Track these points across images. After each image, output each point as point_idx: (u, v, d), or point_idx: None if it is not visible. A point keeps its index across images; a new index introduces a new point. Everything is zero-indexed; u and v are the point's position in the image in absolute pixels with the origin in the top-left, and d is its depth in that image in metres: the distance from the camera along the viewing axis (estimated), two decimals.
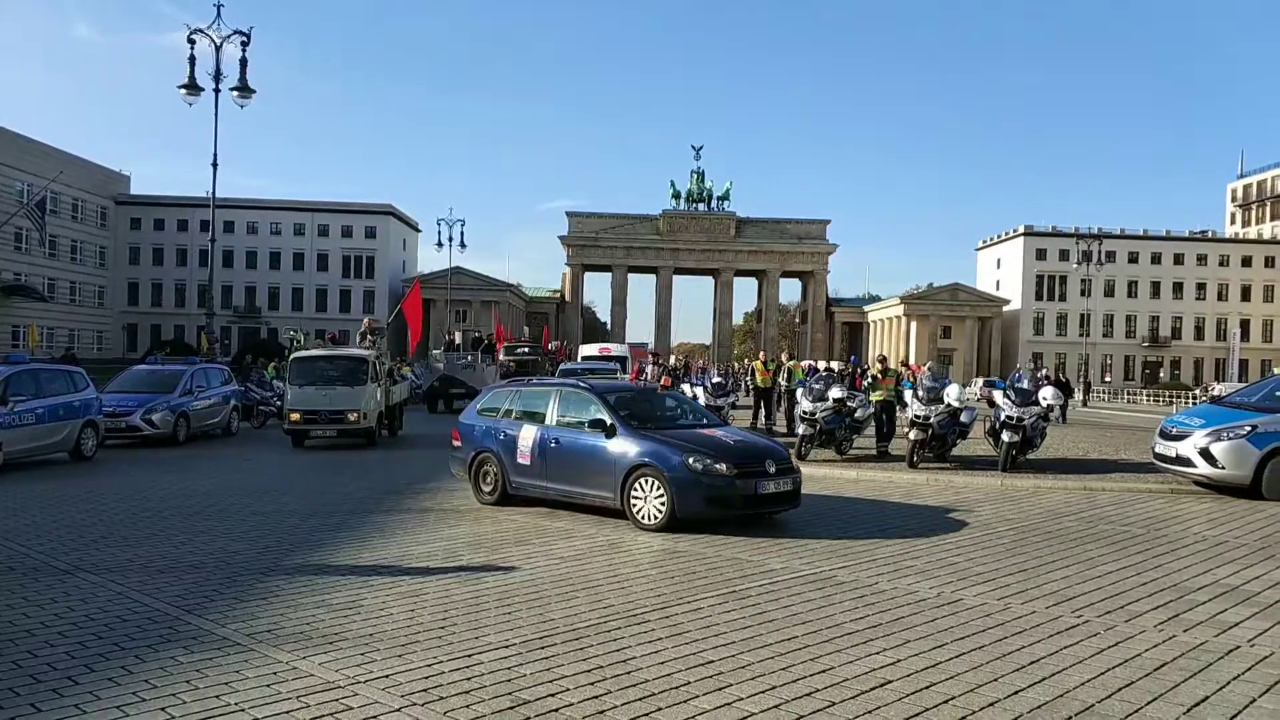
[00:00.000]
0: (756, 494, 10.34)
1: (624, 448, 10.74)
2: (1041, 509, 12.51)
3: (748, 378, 26.68)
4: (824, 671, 5.67)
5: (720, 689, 5.33)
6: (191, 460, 17.51)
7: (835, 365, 21.54)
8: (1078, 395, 56.08)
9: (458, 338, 36.45)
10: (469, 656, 5.85)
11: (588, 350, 39.40)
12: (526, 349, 44.80)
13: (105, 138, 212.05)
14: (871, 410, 17.93)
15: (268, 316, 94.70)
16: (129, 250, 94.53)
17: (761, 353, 26.60)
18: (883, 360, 20.13)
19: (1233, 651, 6.22)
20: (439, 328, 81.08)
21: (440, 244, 65.36)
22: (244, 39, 31.47)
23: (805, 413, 17.07)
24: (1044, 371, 40.68)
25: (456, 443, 12.81)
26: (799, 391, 17.89)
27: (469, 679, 5.43)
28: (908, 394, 17.00)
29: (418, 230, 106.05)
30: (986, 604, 7.40)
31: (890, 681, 5.50)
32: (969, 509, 12.45)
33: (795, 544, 9.75)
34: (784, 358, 23.65)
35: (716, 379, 20.28)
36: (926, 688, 5.41)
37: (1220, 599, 7.66)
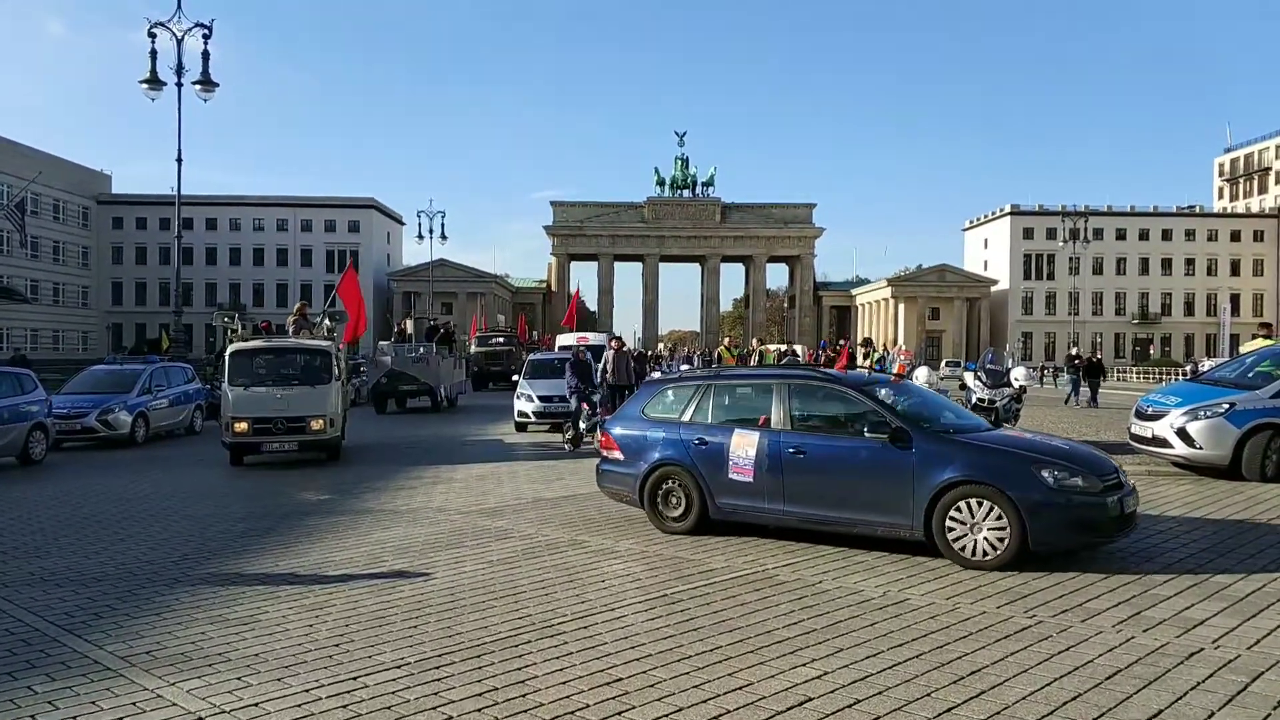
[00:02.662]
0: (1123, 513, 8.03)
1: (929, 459, 8.19)
2: None
3: (717, 363, 26.09)
4: (741, 689, 5.17)
5: (619, 713, 4.83)
6: (145, 462, 16.95)
7: (798, 348, 20.99)
8: (1066, 375, 55.50)
9: (409, 327, 32.95)
10: (355, 679, 5.34)
11: (565, 340, 38.42)
12: (501, 339, 43.51)
13: (87, 137, 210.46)
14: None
15: (252, 313, 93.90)
16: (112, 250, 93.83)
17: (727, 337, 26.05)
18: (867, 343, 19.64)
19: (1194, 655, 5.73)
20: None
21: (421, 236, 64.75)
22: (205, 32, 30.83)
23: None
24: (1077, 349, 39.81)
25: (612, 455, 10.16)
26: (967, 377, 16.45)
27: (346, 706, 4.92)
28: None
29: (401, 223, 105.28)
30: (934, 604, 6.90)
31: (811, 700, 5.00)
32: None
33: (742, 541, 9.23)
34: (754, 342, 23.11)
35: (685, 365, 19.79)
36: (850, 706, 4.91)
37: (1188, 593, 7.17)
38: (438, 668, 5.53)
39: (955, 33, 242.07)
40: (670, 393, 10.21)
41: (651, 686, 5.21)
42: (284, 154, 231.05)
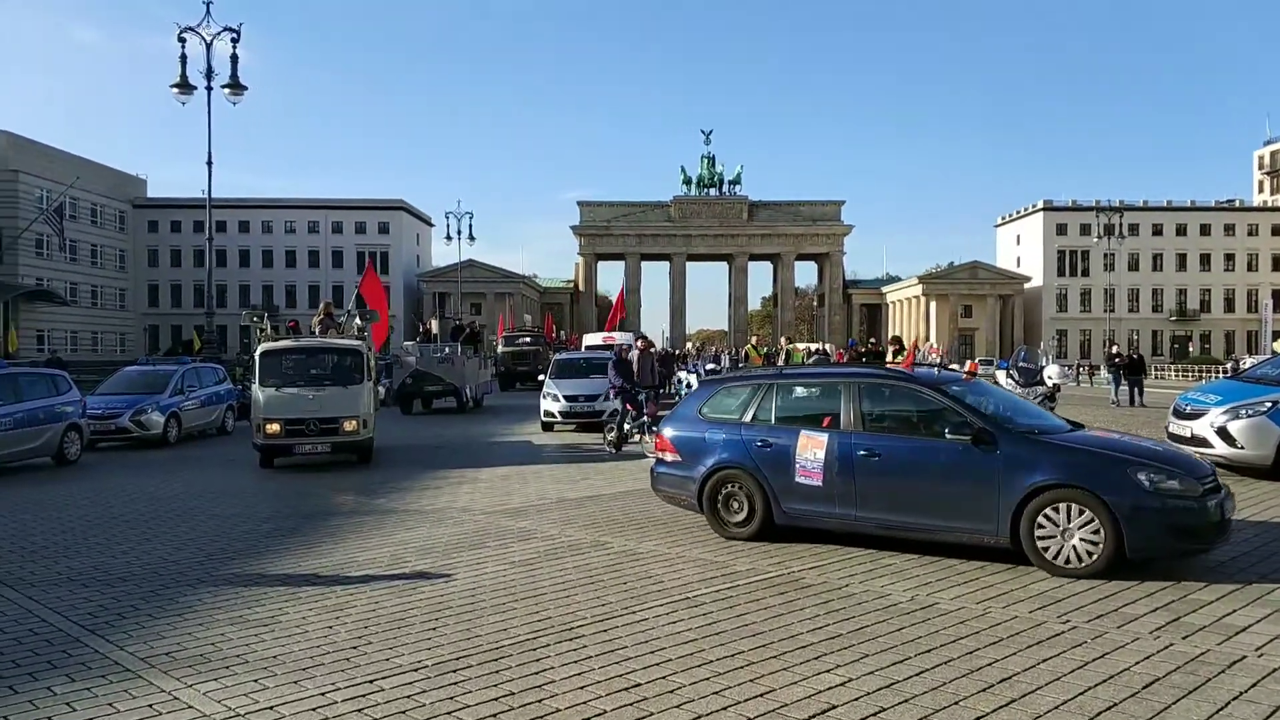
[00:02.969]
0: (1223, 518, 7.65)
1: (1015, 461, 7.78)
2: None
3: (744, 362, 25.85)
4: (762, 695, 5.05)
5: None
6: (176, 462, 17.09)
7: (828, 347, 20.76)
8: (1103, 372, 54.67)
9: (434, 327, 32.80)
10: (371, 682, 5.28)
11: (591, 340, 38.36)
12: (528, 339, 43.02)
13: (122, 142, 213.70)
14: None
15: (285, 314, 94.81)
16: (148, 253, 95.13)
17: (755, 336, 25.88)
18: (896, 341, 19.39)
19: (1236, 664, 5.53)
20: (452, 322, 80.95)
21: (449, 237, 65.09)
22: (234, 36, 31.13)
23: None
24: (1115, 348, 38.86)
25: (667, 457, 9.76)
26: (999, 375, 16.24)
27: (361, 710, 4.87)
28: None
29: (430, 225, 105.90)
30: (964, 609, 6.74)
31: (834, 707, 4.87)
32: None
33: (768, 543, 9.10)
34: (782, 341, 22.92)
35: (710, 365, 19.60)
36: (875, 715, 4.78)
37: (1229, 598, 6.94)
38: (455, 671, 5.46)
39: (988, 28, 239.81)
40: (729, 392, 9.84)
41: (671, 692, 5.10)
42: (315, 157, 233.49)
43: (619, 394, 18.11)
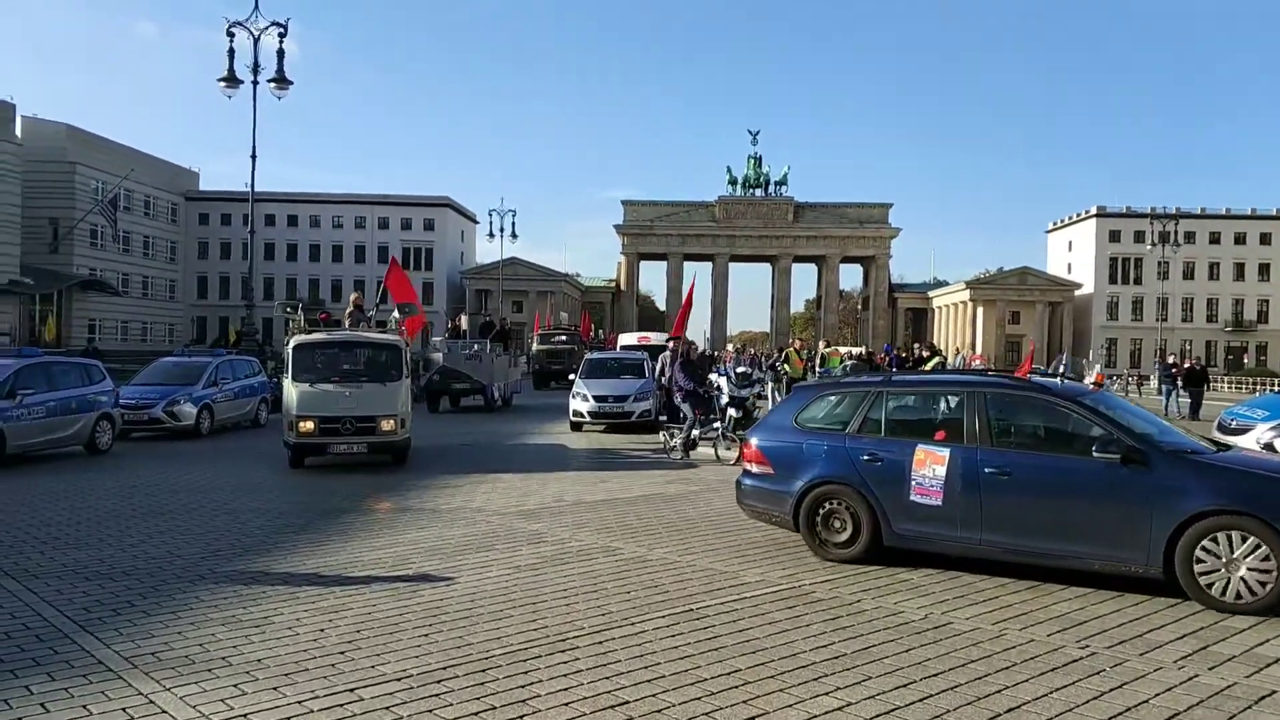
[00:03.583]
0: None
1: (1170, 485, 7.13)
2: None
3: (784, 365, 25.47)
4: (754, 718, 4.82)
5: None
6: (206, 454, 17.20)
7: (859, 351, 20.35)
8: (1153, 381, 53.33)
9: (464, 323, 32.03)
10: (352, 690, 5.14)
11: (626, 339, 38.08)
12: (564, 337, 42.26)
13: (178, 135, 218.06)
14: None
15: (330, 309, 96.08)
16: (198, 245, 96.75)
17: (798, 340, 25.48)
18: (932, 348, 18.96)
19: (1265, 699, 5.21)
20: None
21: (491, 235, 65.44)
22: (281, 31, 31.46)
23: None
24: (1172, 358, 37.60)
25: (756, 469, 9.05)
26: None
27: None
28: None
29: (475, 222, 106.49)
30: (979, 629, 6.45)
31: None
32: None
33: (781, 552, 8.86)
34: (820, 345, 22.56)
35: (741, 368, 19.24)
36: None
37: (1262, 627, 6.57)
38: (440, 681, 5.30)
39: (1041, 28, 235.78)
40: (831, 399, 9.16)
41: (659, 712, 4.89)
42: (363, 153, 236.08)
43: (687, 398, 17.25)
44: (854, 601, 7.14)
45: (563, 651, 5.85)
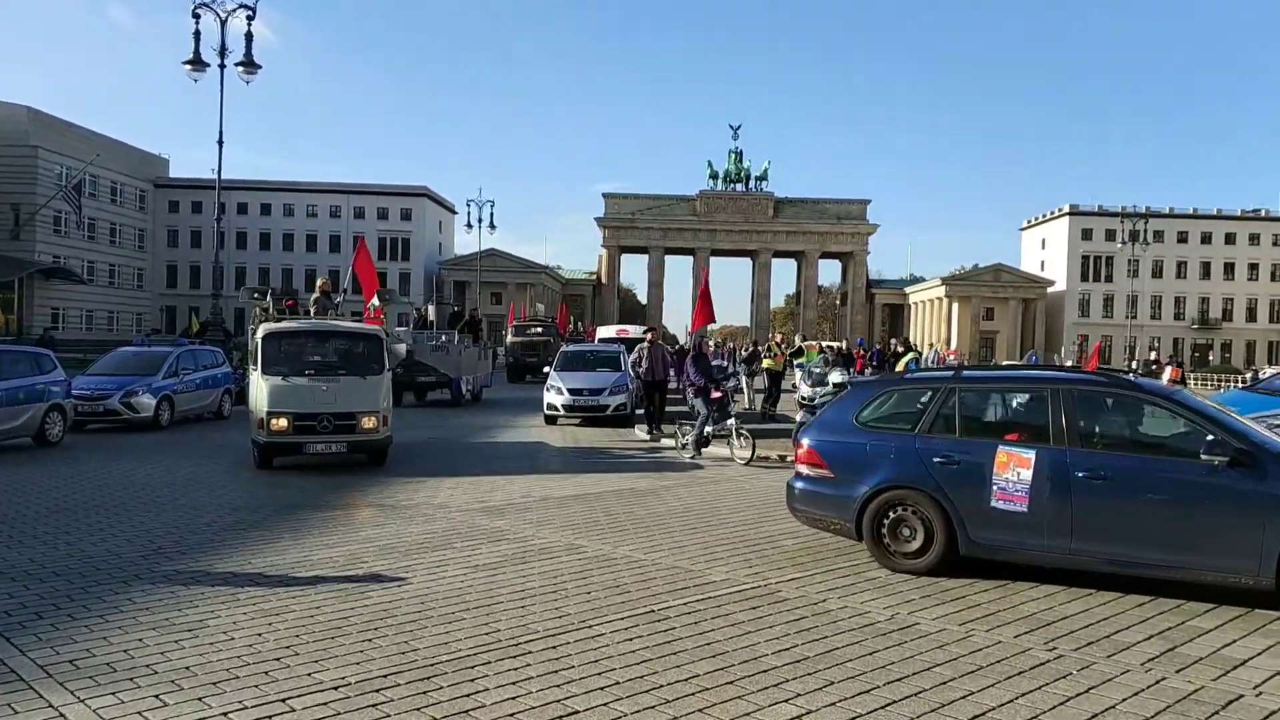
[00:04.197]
0: None
1: None
2: None
3: (766, 358, 25.26)
4: None
5: None
6: (165, 446, 16.72)
7: (838, 345, 20.22)
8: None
9: (430, 313, 30.56)
10: (284, 701, 4.83)
11: (605, 332, 37.68)
12: (539, 329, 41.26)
13: (153, 123, 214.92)
14: None
15: (304, 299, 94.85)
16: (167, 233, 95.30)
17: (777, 333, 25.28)
18: (906, 343, 18.80)
19: (1232, 703, 5.03)
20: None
21: (470, 225, 64.78)
22: (249, 13, 30.85)
23: (804, 398, 15.65)
24: (1154, 354, 37.54)
25: (813, 471, 8.33)
26: (798, 377, 16.28)
27: None
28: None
29: (454, 212, 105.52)
30: (945, 630, 6.24)
31: None
32: None
33: (749, 550, 8.63)
34: (797, 339, 22.36)
35: (716, 362, 19.00)
36: None
37: (1230, 626, 6.42)
38: (379, 690, 5.01)
39: (1017, 29, 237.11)
40: (896, 396, 8.57)
41: None
42: (341, 142, 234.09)
43: (699, 393, 16.32)
44: (820, 601, 6.92)
45: (513, 657, 5.57)
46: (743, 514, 10.56)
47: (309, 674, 5.24)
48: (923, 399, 8.19)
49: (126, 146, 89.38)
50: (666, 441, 17.37)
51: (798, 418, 16.26)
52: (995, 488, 7.41)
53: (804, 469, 8.43)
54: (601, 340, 33.71)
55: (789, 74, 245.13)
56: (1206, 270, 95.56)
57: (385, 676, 5.21)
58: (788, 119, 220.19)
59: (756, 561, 8.20)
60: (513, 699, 4.91)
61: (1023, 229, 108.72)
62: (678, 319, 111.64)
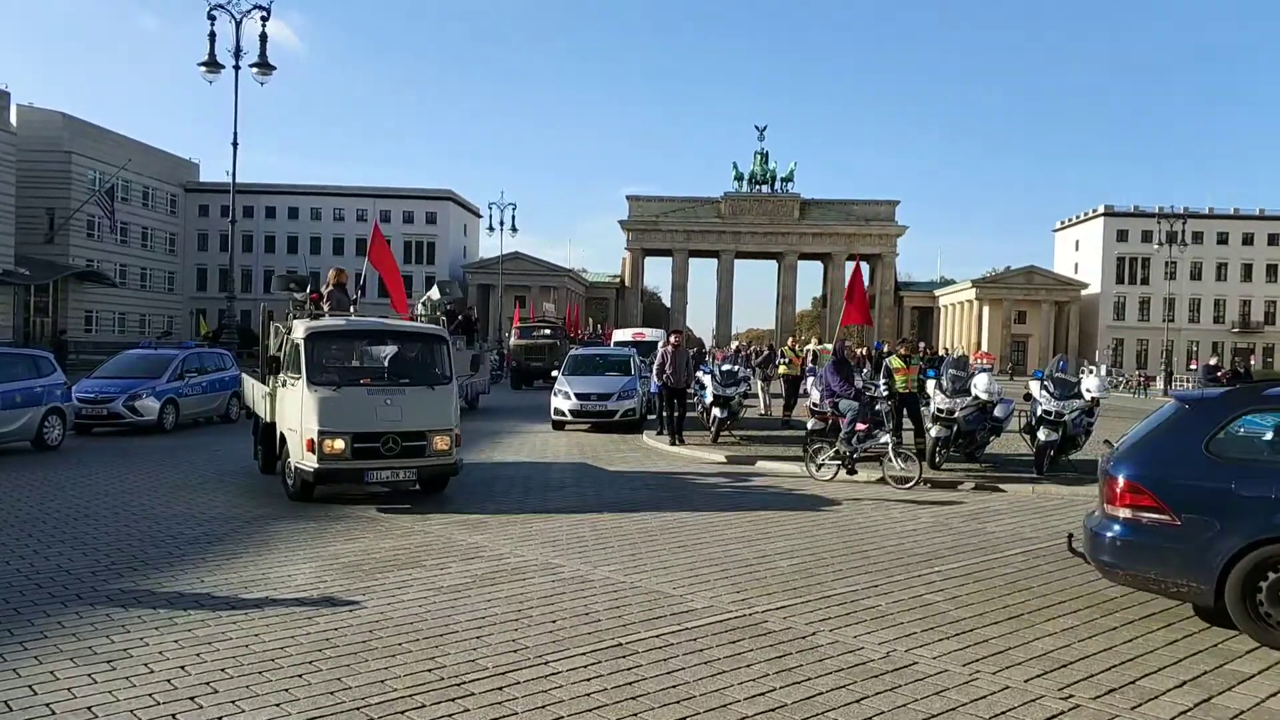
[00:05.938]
0: None
1: None
2: (1071, 525, 10.47)
3: (781, 362, 24.55)
4: None
5: None
6: (165, 451, 16.33)
7: (825, 346, 19.36)
8: (1159, 383, 52.34)
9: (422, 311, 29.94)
10: None
11: (621, 335, 36.80)
12: (546, 330, 38.80)
13: (183, 128, 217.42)
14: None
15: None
16: (197, 237, 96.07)
17: (791, 338, 24.56)
18: (904, 343, 17.89)
19: None
20: (497, 315, 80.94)
21: (491, 228, 64.54)
22: (264, 14, 30.69)
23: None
24: (1214, 359, 35.65)
25: (1145, 516, 6.49)
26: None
27: None
28: (930, 385, 14.87)
29: (479, 216, 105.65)
30: (945, 672, 5.57)
31: None
32: (981, 523, 10.52)
33: (741, 573, 7.99)
34: (813, 343, 21.64)
35: (727, 366, 18.33)
36: None
37: (1271, 673, 5.69)
38: None
39: (1051, 27, 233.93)
40: (1267, 419, 6.74)
41: None
42: (368, 146, 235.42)
43: (833, 401, 13.97)
44: (809, 634, 6.27)
45: (451, 700, 4.98)
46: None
47: (221, 718, 4.68)
48: None
49: (157, 151, 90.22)
50: (686, 451, 16.72)
51: (809, 425, 15.54)
52: None
53: (1122, 512, 6.61)
54: (617, 343, 32.85)
55: (815, 76, 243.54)
56: (1248, 272, 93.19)
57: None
58: (814, 121, 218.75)
59: (747, 585, 7.56)
60: None
61: (1055, 230, 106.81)
62: (703, 322, 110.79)
